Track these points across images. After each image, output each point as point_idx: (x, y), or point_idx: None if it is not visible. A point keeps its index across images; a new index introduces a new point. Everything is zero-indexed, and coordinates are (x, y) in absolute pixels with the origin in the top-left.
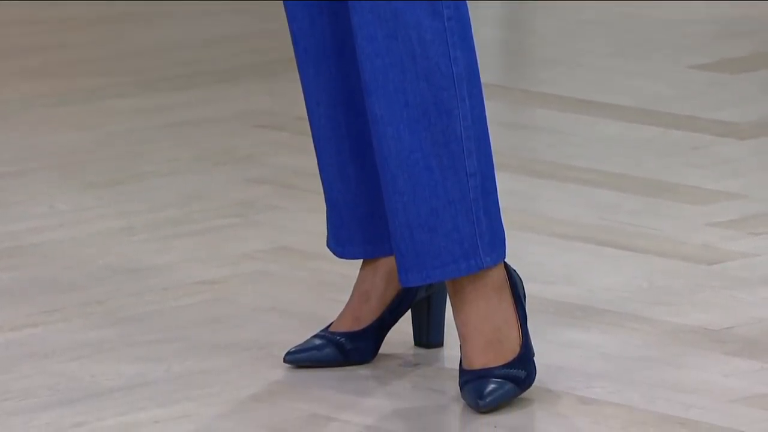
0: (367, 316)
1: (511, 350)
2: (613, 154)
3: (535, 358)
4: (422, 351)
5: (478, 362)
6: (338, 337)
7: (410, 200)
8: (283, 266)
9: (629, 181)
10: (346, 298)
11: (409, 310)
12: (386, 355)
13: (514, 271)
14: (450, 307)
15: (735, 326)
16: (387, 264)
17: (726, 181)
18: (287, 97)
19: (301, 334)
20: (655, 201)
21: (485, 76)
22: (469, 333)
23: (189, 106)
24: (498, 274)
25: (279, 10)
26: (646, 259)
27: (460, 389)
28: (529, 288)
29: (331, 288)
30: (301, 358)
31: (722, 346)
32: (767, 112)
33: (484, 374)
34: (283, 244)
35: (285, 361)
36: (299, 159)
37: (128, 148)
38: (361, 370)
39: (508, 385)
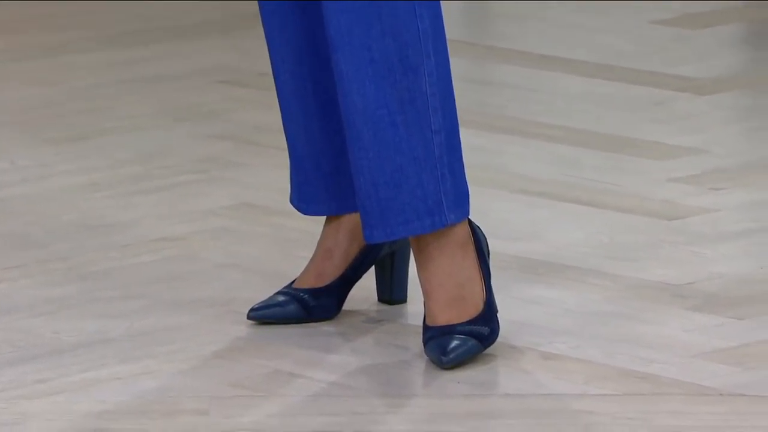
0: (331, 273)
1: (474, 306)
2: (576, 110)
3: (498, 315)
4: (386, 307)
5: (442, 318)
6: (302, 294)
7: (375, 157)
8: (246, 223)
9: (592, 137)
10: (310, 254)
11: (373, 267)
12: (350, 312)
13: (478, 227)
14: (414, 263)
15: (696, 281)
16: (351, 221)
17: (687, 137)
18: (251, 53)
19: (264, 291)
20: (617, 157)
21: (449, 32)
22: (432, 289)
23: (151, 61)
24: (462, 231)
25: None
26: (607, 215)
27: (424, 345)
28: (493, 244)
29: (294, 244)
30: (264, 315)
31: (683, 301)
32: (728, 68)
33: (448, 330)
34: (246, 200)
35: (248, 317)
36: (263, 115)
37: (90, 104)
38: (325, 327)
39: (472, 342)
